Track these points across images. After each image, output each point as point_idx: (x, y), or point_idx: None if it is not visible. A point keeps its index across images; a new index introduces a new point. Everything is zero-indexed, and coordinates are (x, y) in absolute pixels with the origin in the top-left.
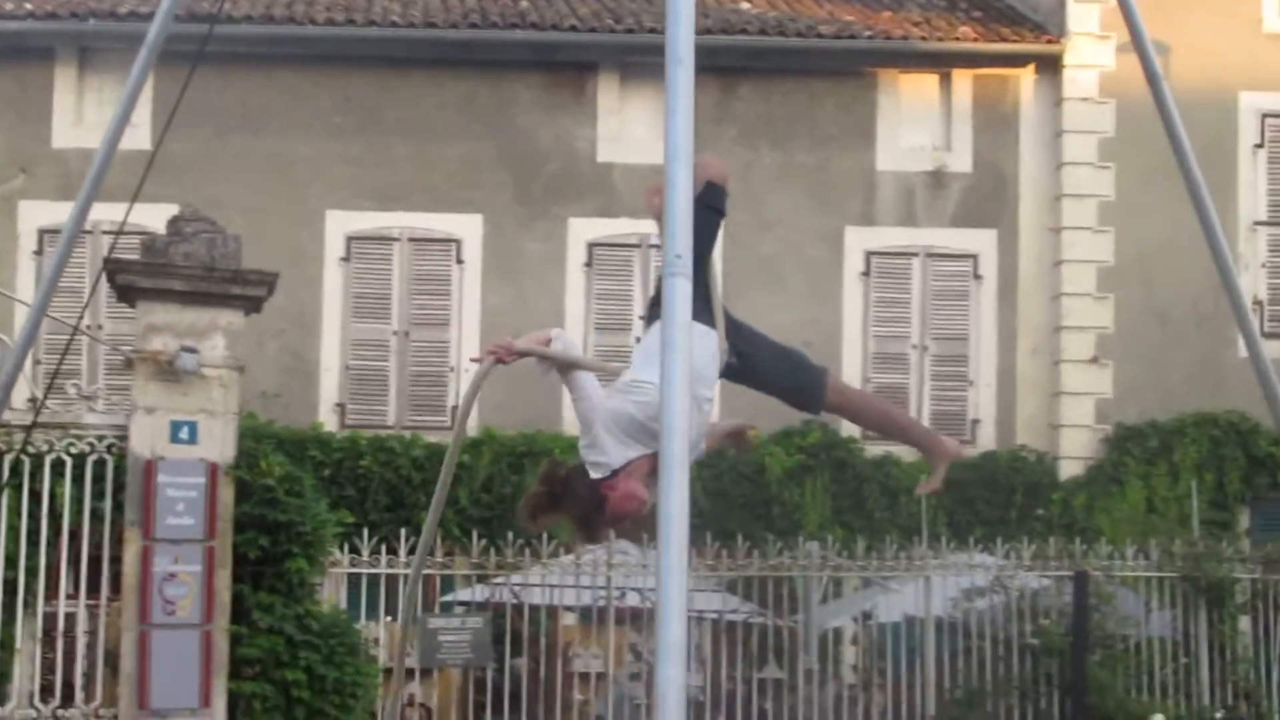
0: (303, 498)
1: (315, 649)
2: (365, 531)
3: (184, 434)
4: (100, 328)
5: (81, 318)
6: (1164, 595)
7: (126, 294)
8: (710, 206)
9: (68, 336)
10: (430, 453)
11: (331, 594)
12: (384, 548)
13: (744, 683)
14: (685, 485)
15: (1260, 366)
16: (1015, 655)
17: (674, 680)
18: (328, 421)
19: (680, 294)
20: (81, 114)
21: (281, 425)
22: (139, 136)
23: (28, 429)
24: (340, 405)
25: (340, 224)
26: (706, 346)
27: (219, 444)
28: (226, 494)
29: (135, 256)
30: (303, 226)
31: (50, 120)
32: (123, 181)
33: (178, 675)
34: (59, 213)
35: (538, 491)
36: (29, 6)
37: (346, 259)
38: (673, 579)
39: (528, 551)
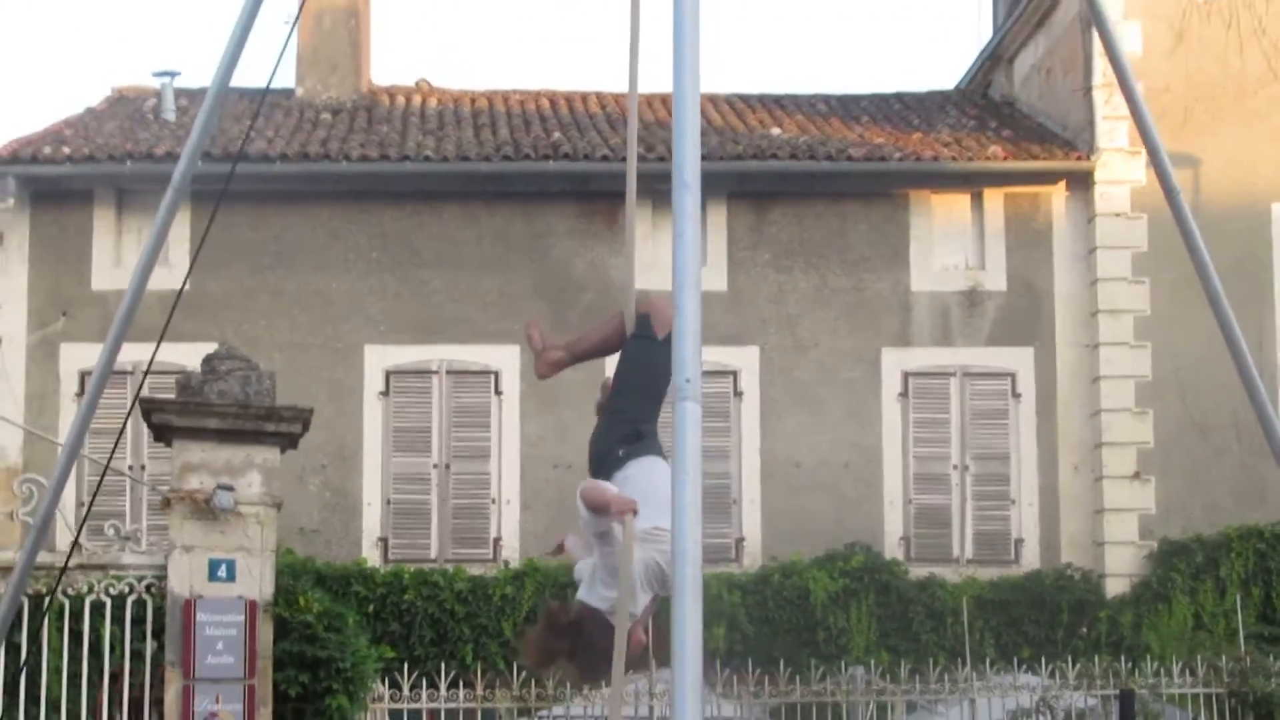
0: (342, 634)
1: None
2: (406, 666)
3: (222, 572)
4: (143, 468)
5: (112, 456)
6: (1212, 712)
7: (162, 433)
8: (638, 336)
9: (109, 477)
10: (473, 585)
11: None
12: (424, 682)
13: None
14: (699, 609)
15: None
16: None
17: None
18: (370, 557)
19: (691, 419)
20: (120, 255)
21: (324, 561)
22: (176, 277)
23: (64, 570)
24: (383, 540)
25: (379, 358)
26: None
27: (257, 581)
28: (266, 631)
29: (172, 396)
30: (341, 362)
31: (90, 262)
32: (158, 320)
33: None
34: (94, 357)
35: (546, 635)
36: (67, 150)
37: (386, 393)
38: (687, 705)
39: (569, 685)
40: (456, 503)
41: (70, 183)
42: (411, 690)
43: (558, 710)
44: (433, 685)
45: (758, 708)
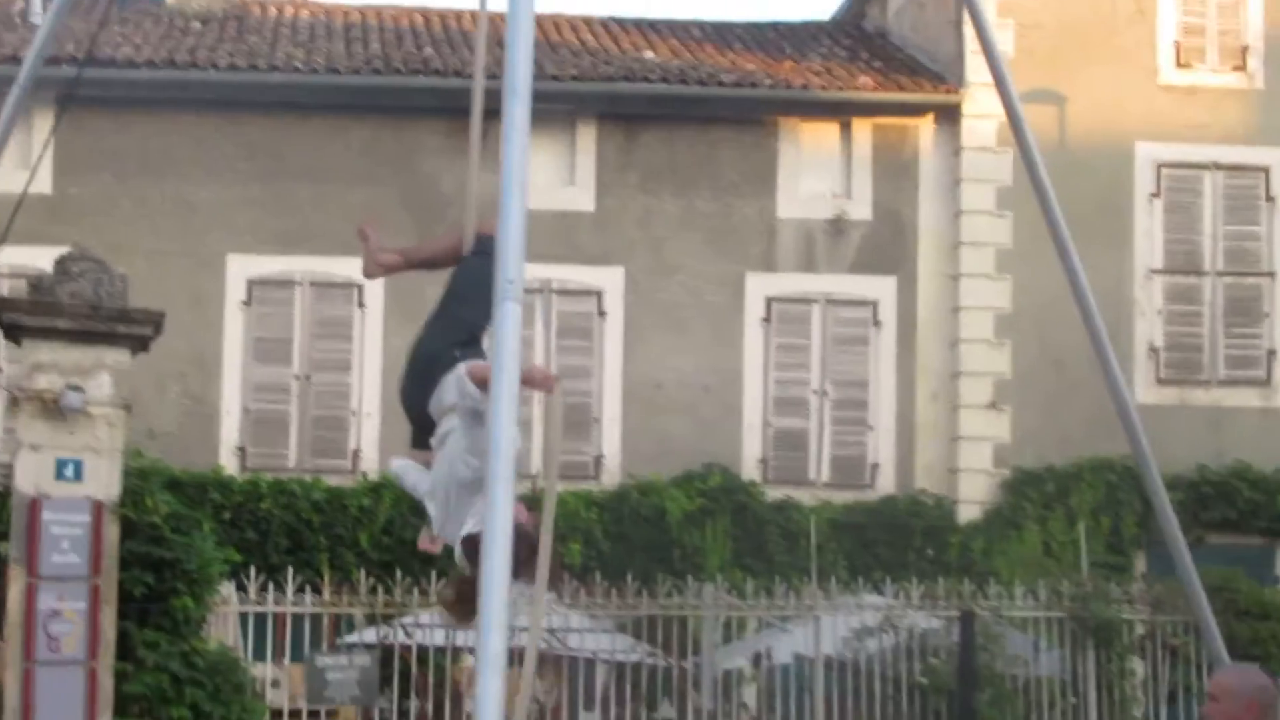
0: (188, 535)
1: (201, 686)
2: (252, 570)
3: (69, 472)
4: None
5: None
6: (1053, 635)
7: (12, 333)
8: (483, 252)
9: None
10: (330, 496)
11: (219, 632)
12: (271, 586)
13: None
14: (510, 503)
15: (1125, 418)
16: (905, 694)
17: (493, 691)
18: (228, 465)
19: (511, 318)
20: None
21: (181, 468)
22: (40, 181)
23: None
24: (241, 449)
25: (241, 268)
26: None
27: (104, 482)
28: (112, 532)
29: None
30: (204, 270)
31: None
32: (21, 225)
33: (63, 713)
34: None
35: (462, 601)
36: None
37: (248, 303)
38: (494, 594)
39: (416, 591)
40: (316, 414)
41: None
42: (259, 594)
43: (407, 619)
44: (280, 589)
45: (608, 620)
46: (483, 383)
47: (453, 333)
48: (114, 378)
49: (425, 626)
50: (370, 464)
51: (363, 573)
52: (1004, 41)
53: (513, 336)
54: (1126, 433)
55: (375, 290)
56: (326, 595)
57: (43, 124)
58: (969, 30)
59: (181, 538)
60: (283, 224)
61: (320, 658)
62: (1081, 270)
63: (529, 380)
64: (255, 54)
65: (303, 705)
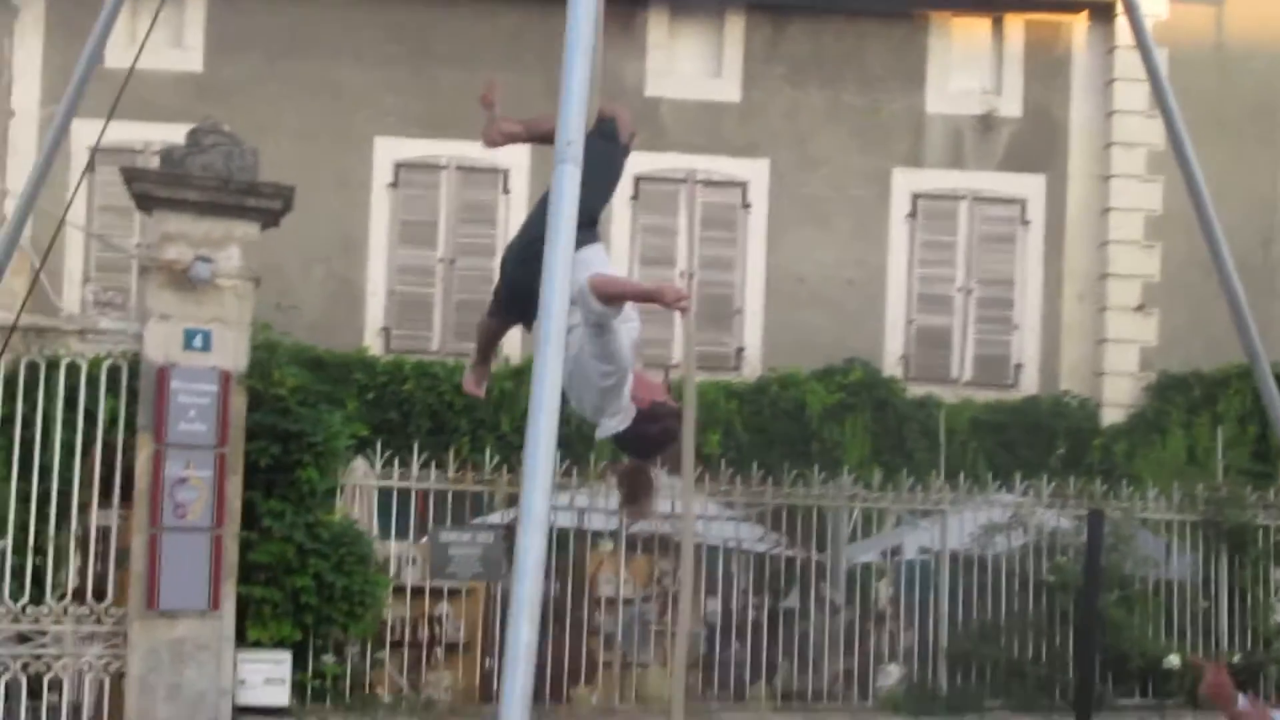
0: (315, 409)
1: (324, 557)
2: (379, 446)
3: (198, 342)
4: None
5: (66, 211)
6: (1186, 540)
7: (143, 203)
8: (603, 135)
9: (120, 255)
10: None
11: (355, 508)
12: (395, 462)
13: (767, 611)
14: (559, 368)
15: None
16: (1032, 592)
17: (529, 589)
18: (373, 345)
19: (569, 180)
20: (135, 35)
21: (326, 349)
22: (191, 59)
23: (11, 329)
24: (385, 330)
25: (389, 151)
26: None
27: (232, 353)
28: (239, 402)
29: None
30: (351, 152)
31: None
32: (172, 103)
33: (187, 577)
34: (109, 132)
35: (627, 489)
36: None
37: (395, 185)
38: (538, 481)
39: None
40: (460, 297)
41: None
42: (396, 471)
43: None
44: (404, 465)
45: (740, 510)
46: (606, 297)
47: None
48: (243, 250)
49: (558, 509)
50: (512, 348)
51: (508, 460)
52: None
53: (570, 199)
54: (1239, 331)
55: (520, 176)
56: (451, 473)
57: (195, 3)
58: None
59: (308, 410)
60: (429, 108)
61: (444, 533)
62: (1202, 178)
63: (661, 297)
64: None
65: (425, 581)
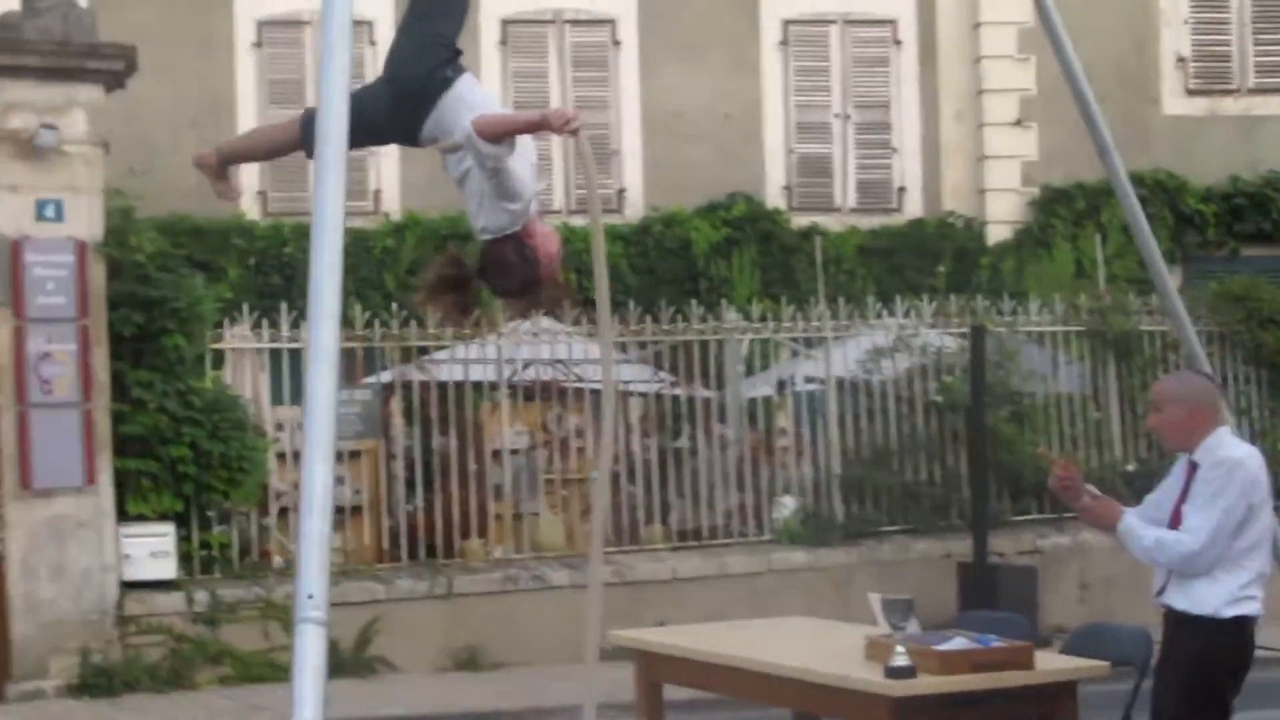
0: (176, 273)
1: (199, 425)
2: (245, 307)
3: (49, 212)
4: None
5: None
6: (1073, 351)
7: None
8: None
9: None
10: (354, 238)
11: (240, 374)
12: (265, 322)
13: (657, 451)
14: (342, 183)
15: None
16: (920, 414)
17: (320, 429)
18: (250, 210)
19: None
20: None
21: (203, 216)
22: None
23: None
24: (262, 193)
25: (250, 9)
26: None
27: (86, 222)
28: (97, 272)
29: None
30: (216, 9)
31: None
32: None
33: (60, 454)
34: None
35: (440, 274)
36: None
37: (258, 44)
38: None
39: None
40: None
41: None
42: (274, 332)
43: (439, 353)
44: (274, 326)
45: (634, 350)
46: (494, 137)
47: (431, 53)
48: (88, 115)
49: (443, 362)
50: (392, 204)
51: (393, 315)
52: None
53: (342, 13)
54: (1096, 145)
55: (383, 29)
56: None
57: None
58: None
59: (170, 276)
60: None
61: None
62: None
63: (547, 124)
64: None
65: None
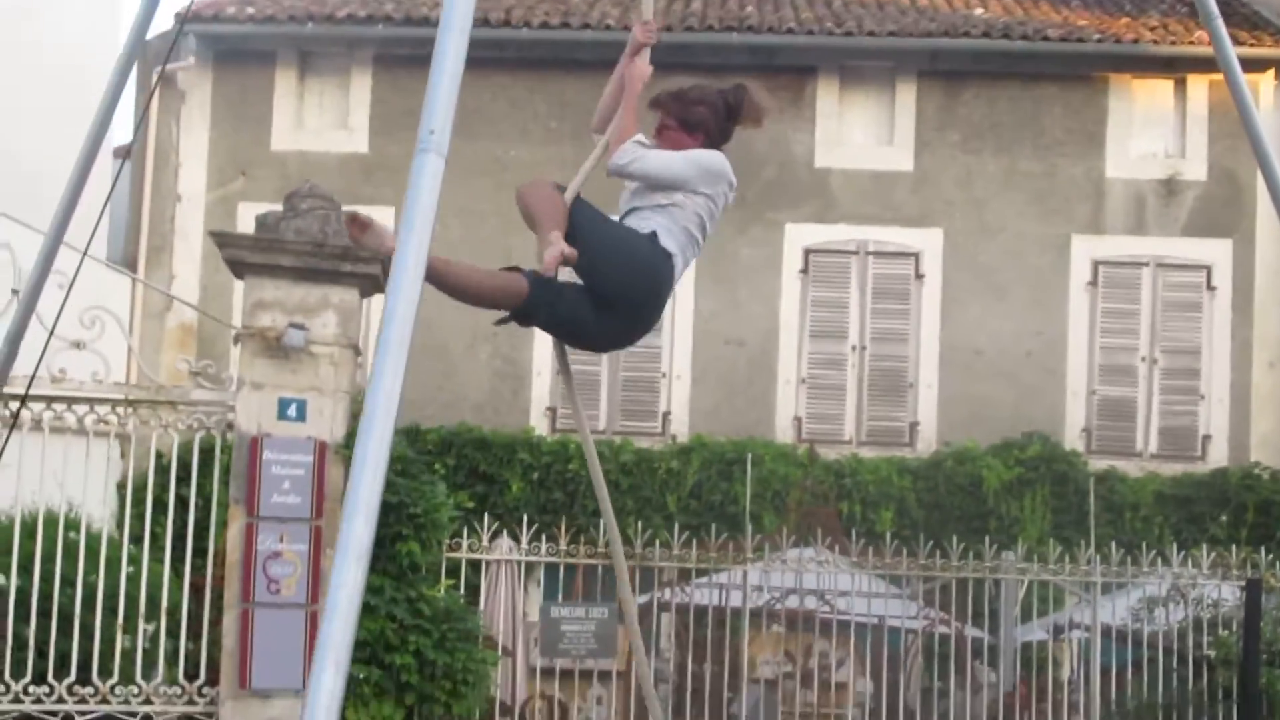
0: (416, 479)
1: (426, 634)
2: (485, 518)
3: (292, 411)
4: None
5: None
6: None
7: (236, 269)
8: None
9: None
10: (639, 458)
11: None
12: (503, 534)
13: (919, 693)
14: (401, 369)
15: None
16: (1191, 668)
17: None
18: (538, 426)
19: (429, 171)
20: (301, 118)
21: (492, 429)
22: (357, 140)
23: (129, 403)
24: (551, 409)
25: None
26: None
27: (329, 422)
28: (335, 473)
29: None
30: (520, 230)
31: (270, 124)
32: (337, 184)
33: (281, 655)
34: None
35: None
36: (250, 11)
37: None
38: (359, 507)
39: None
40: (626, 375)
41: (252, 43)
42: (491, 542)
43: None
44: (514, 539)
45: (913, 583)
46: (632, 155)
47: (638, 245)
48: (340, 317)
49: (704, 586)
50: (680, 426)
51: (637, 529)
52: None
53: (429, 191)
54: None
55: None
56: (563, 544)
57: (360, 84)
58: None
59: (407, 481)
60: (596, 185)
61: (555, 608)
62: None
63: (633, 52)
64: (570, 12)
65: (537, 660)
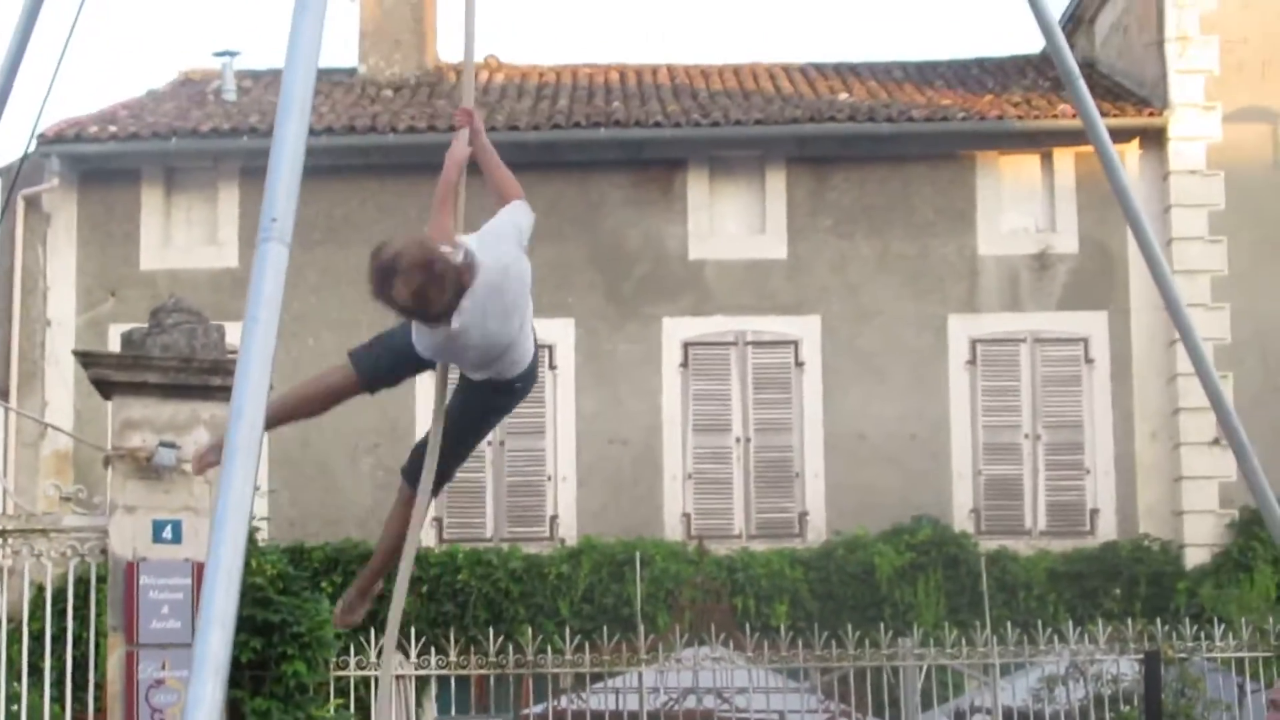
0: (298, 596)
1: None
2: (373, 634)
3: (167, 533)
4: None
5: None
6: (1261, 679)
7: (103, 389)
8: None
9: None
10: (529, 564)
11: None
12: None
13: None
14: (254, 457)
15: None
16: None
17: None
18: (425, 537)
19: (273, 261)
20: (169, 235)
21: (375, 541)
22: (226, 255)
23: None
24: (437, 519)
25: None
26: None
27: (205, 543)
28: None
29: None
30: None
31: (138, 242)
32: (209, 299)
33: None
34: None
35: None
36: (113, 129)
37: None
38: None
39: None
40: (511, 480)
41: (117, 161)
42: (379, 657)
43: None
44: (404, 653)
45: (811, 676)
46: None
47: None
48: (211, 433)
49: (620, 691)
50: (568, 529)
51: (568, 643)
52: (1209, 59)
53: (272, 281)
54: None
55: (566, 351)
56: (453, 656)
57: (228, 196)
58: (1172, 50)
59: (289, 599)
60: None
61: None
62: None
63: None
64: (437, 115)
65: None
